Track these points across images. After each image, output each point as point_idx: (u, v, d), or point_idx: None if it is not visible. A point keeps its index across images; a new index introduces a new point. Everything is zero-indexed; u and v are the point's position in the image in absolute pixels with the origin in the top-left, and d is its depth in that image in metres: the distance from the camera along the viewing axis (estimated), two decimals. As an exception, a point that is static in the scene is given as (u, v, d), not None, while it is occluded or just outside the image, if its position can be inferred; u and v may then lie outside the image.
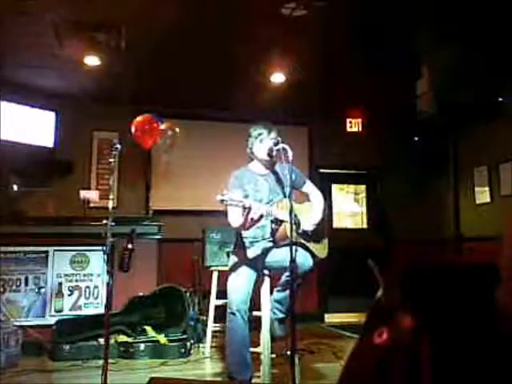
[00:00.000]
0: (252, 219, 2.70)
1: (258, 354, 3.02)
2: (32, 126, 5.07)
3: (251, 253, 3.01)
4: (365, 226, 6.61)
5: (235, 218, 2.88)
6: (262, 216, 2.73)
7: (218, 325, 4.03)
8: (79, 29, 3.82)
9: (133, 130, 4.02)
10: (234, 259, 3.07)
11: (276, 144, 2.89)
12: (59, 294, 4.33)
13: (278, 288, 3.04)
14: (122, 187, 5.48)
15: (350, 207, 6.64)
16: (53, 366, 3.71)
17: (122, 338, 4.00)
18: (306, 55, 4.37)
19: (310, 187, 3.23)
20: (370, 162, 6.33)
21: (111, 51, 4.08)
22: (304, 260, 2.84)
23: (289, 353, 2.53)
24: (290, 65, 4.55)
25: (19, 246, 4.26)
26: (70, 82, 4.94)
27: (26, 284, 4.26)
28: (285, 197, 3.00)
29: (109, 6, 3.55)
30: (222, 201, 2.60)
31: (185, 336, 4.12)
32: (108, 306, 2.63)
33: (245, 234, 3.01)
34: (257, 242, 3.03)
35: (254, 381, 2.94)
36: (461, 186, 5.63)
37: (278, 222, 2.91)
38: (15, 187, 4.96)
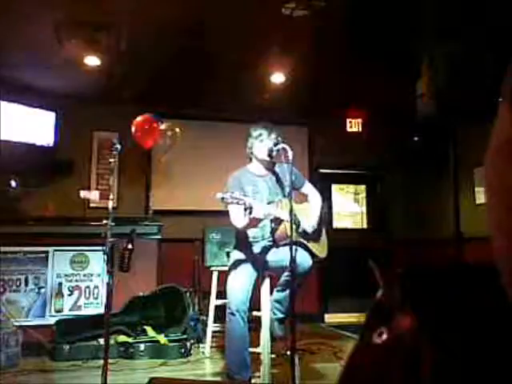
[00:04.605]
0: (255, 218, 2.70)
1: (258, 354, 3.02)
2: (32, 126, 5.06)
3: (251, 252, 3.01)
4: (365, 225, 6.61)
5: (239, 218, 2.87)
6: (264, 216, 2.73)
7: (217, 325, 4.03)
8: (79, 29, 3.82)
9: (133, 130, 4.02)
10: (233, 258, 3.07)
11: (276, 144, 2.89)
12: (59, 294, 4.33)
13: (278, 288, 3.04)
14: (122, 187, 5.48)
15: (350, 207, 6.64)
16: (53, 366, 3.71)
17: (122, 338, 4.00)
18: (306, 55, 4.37)
19: (308, 188, 3.24)
20: (369, 161, 6.34)
21: (111, 51, 4.08)
22: (303, 260, 2.84)
23: (289, 353, 2.53)
24: (289, 65, 4.55)
25: (19, 246, 4.26)
26: (70, 82, 4.95)
27: (26, 284, 4.26)
28: (284, 197, 3.01)
29: (109, 7, 3.55)
30: (223, 199, 2.60)
31: (185, 336, 4.12)
32: (108, 306, 2.63)
33: (244, 234, 3.01)
34: (257, 241, 3.03)
35: (253, 381, 2.94)
36: (461, 186, 5.63)
37: (277, 221, 2.92)
38: (13, 184, 4.96)
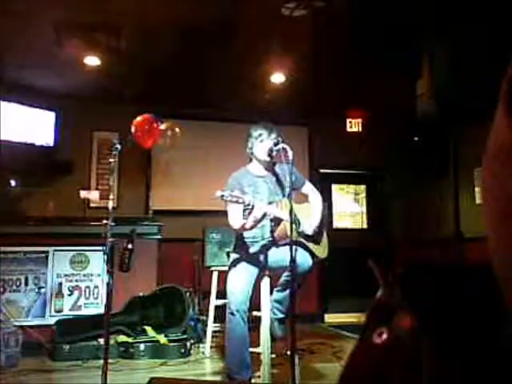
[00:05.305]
0: (255, 218, 2.70)
1: (258, 353, 3.02)
2: (32, 126, 5.06)
3: (251, 252, 3.01)
4: (365, 225, 6.61)
5: (236, 219, 2.88)
6: (265, 215, 2.73)
7: (217, 325, 4.03)
8: (79, 29, 3.82)
9: (132, 129, 4.02)
10: (233, 258, 3.07)
11: (276, 144, 2.89)
12: (59, 293, 4.33)
13: (278, 288, 3.05)
14: (122, 187, 5.48)
15: (350, 207, 6.64)
16: (53, 366, 3.71)
17: (122, 338, 4.00)
18: (306, 55, 4.37)
19: (309, 188, 3.23)
20: (370, 162, 6.33)
21: (111, 51, 4.08)
22: (304, 260, 2.84)
23: (289, 353, 2.53)
24: (289, 65, 4.55)
25: (19, 246, 4.26)
26: (70, 82, 4.95)
27: (26, 284, 4.26)
28: (284, 197, 3.01)
29: (109, 6, 3.55)
30: (222, 196, 2.60)
31: (185, 336, 4.12)
32: (108, 305, 2.63)
33: (245, 234, 3.01)
34: (257, 241, 3.03)
35: (253, 381, 2.94)
36: (461, 185, 5.63)
37: (277, 221, 2.92)
38: (13, 183, 4.97)
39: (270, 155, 2.99)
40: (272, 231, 3.00)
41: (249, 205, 2.72)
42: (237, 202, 2.65)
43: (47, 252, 4.35)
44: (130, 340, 3.99)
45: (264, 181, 3.08)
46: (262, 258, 2.98)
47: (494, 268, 0.58)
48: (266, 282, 3.09)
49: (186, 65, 4.62)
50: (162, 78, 4.93)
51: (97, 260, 4.38)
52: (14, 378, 3.37)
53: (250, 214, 2.72)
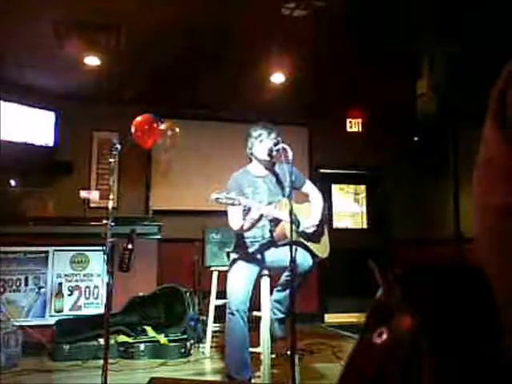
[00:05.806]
0: (252, 219, 2.70)
1: (258, 353, 3.02)
2: (32, 126, 5.06)
3: (251, 252, 3.01)
4: (365, 226, 6.61)
5: (236, 220, 2.88)
6: (262, 216, 2.74)
7: (217, 325, 4.03)
8: (79, 29, 3.82)
9: (132, 129, 4.03)
10: (233, 257, 3.07)
11: (276, 144, 2.89)
12: (59, 294, 4.33)
13: (278, 288, 3.04)
14: (122, 187, 5.48)
15: (350, 207, 6.64)
16: (53, 366, 3.70)
17: (122, 338, 4.00)
18: (306, 55, 4.37)
19: (309, 187, 3.23)
20: (370, 161, 6.33)
21: (111, 51, 4.08)
22: (304, 260, 2.84)
23: (289, 353, 2.53)
24: (289, 65, 4.55)
25: (19, 246, 4.26)
26: (70, 82, 4.95)
27: (26, 284, 4.26)
28: (284, 197, 3.00)
29: (109, 6, 3.55)
30: (217, 199, 2.60)
31: (185, 336, 4.12)
32: (108, 306, 2.63)
33: (245, 234, 3.01)
34: (257, 241, 3.03)
35: (253, 381, 2.94)
36: (461, 186, 5.63)
37: (276, 221, 2.92)
38: (13, 183, 4.97)
39: (269, 155, 2.99)
40: (271, 231, 3.00)
41: (245, 206, 2.72)
42: (232, 204, 2.65)
43: (47, 252, 4.35)
44: (130, 340, 3.98)
45: (264, 181, 3.08)
46: (261, 257, 2.98)
47: (485, 267, 0.58)
48: (265, 282, 3.09)
49: (186, 65, 4.62)
50: (162, 77, 4.93)
51: (97, 260, 4.38)
52: (14, 378, 3.37)
53: (247, 214, 2.72)
